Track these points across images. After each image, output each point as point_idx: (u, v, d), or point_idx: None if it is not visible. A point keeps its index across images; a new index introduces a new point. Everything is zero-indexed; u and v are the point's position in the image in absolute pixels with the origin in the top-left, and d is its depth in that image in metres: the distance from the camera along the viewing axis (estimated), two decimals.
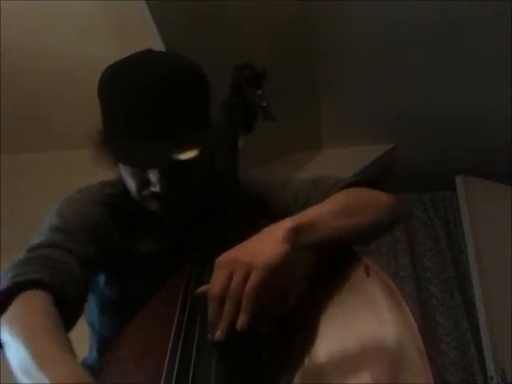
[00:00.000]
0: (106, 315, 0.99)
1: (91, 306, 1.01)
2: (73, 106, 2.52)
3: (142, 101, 0.82)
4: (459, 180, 3.07)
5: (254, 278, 0.70)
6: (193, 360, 0.70)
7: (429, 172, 3.28)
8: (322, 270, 0.82)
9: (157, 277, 0.91)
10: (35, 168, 2.79)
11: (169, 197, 0.87)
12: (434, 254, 3.25)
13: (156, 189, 0.85)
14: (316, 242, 0.79)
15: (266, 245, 0.74)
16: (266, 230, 0.77)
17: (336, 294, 0.76)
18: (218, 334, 0.70)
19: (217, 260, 0.74)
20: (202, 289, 0.76)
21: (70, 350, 0.70)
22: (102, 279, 0.97)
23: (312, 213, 0.82)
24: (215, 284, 0.71)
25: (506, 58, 2.41)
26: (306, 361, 0.68)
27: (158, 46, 2.00)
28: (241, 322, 0.68)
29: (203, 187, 0.94)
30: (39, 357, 0.67)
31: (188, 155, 0.81)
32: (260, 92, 1.05)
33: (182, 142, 0.82)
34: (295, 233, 0.76)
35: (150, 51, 0.90)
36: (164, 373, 0.69)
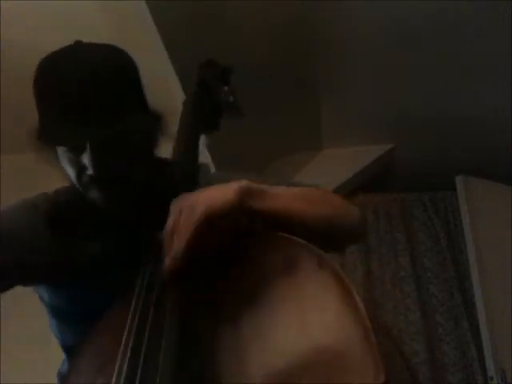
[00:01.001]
0: (63, 325, 0.98)
1: (50, 319, 1.01)
2: None
3: (67, 89, 0.82)
4: (459, 180, 3.07)
5: (197, 213, 0.74)
6: (141, 359, 0.69)
7: (429, 172, 3.28)
8: (273, 261, 0.77)
9: (106, 283, 0.89)
10: (35, 168, 2.79)
11: (104, 180, 0.86)
12: (434, 253, 3.24)
13: (90, 171, 0.85)
14: (265, 211, 0.78)
15: (218, 192, 0.78)
16: (222, 183, 0.80)
17: (287, 286, 0.72)
18: (166, 262, 0.75)
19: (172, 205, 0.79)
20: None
21: None
22: (45, 292, 0.96)
23: (271, 188, 0.83)
24: (169, 221, 0.77)
25: (506, 58, 2.41)
26: (255, 367, 0.66)
27: (158, 46, 2.00)
28: (176, 246, 0.74)
29: (148, 179, 0.92)
30: None
31: (110, 132, 0.82)
32: (226, 88, 1.05)
33: (107, 122, 0.82)
34: (248, 192, 0.78)
35: (80, 42, 0.90)
36: (115, 374, 0.69)
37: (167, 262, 0.76)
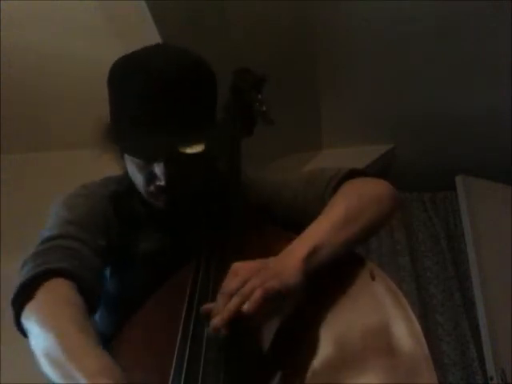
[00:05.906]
0: (105, 310, 0.99)
1: None
2: (73, 106, 2.52)
3: (151, 95, 0.82)
4: (459, 180, 3.07)
5: (271, 285, 0.70)
6: (202, 363, 0.69)
7: (429, 172, 3.28)
8: (328, 276, 0.81)
9: (156, 275, 0.91)
10: (35, 168, 2.79)
11: (173, 191, 0.88)
12: (434, 253, 3.24)
13: (161, 183, 0.86)
14: (326, 261, 0.79)
15: (287, 271, 0.73)
16: (283, 256, 0.77)
17: (341, 298, 0.76)
18: (215, 321, 0.68)
19: (235, 265, 0.74)
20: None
21: (98, 342, 0.70)
22: (107, 274, 0.98)
23: (318, 233, 0.81)
24: (231, 283, 0.71)
25: (506, 58, 2.41)
26: (315, 361, 0.69)
27: None
28: (247, 307, 0.67)
29: (206, 185, 0.96)
30: (70, 348, 0.67)
31: (192, 150, 0.83)
32: (260, 97, 1.05)
33: (187, 136, 0.83)
34: (309, 258, 0.76)
35: (159, 45, 0.92)
36: (172, 371, 0.69)
37: (217, 321, 0.69)
